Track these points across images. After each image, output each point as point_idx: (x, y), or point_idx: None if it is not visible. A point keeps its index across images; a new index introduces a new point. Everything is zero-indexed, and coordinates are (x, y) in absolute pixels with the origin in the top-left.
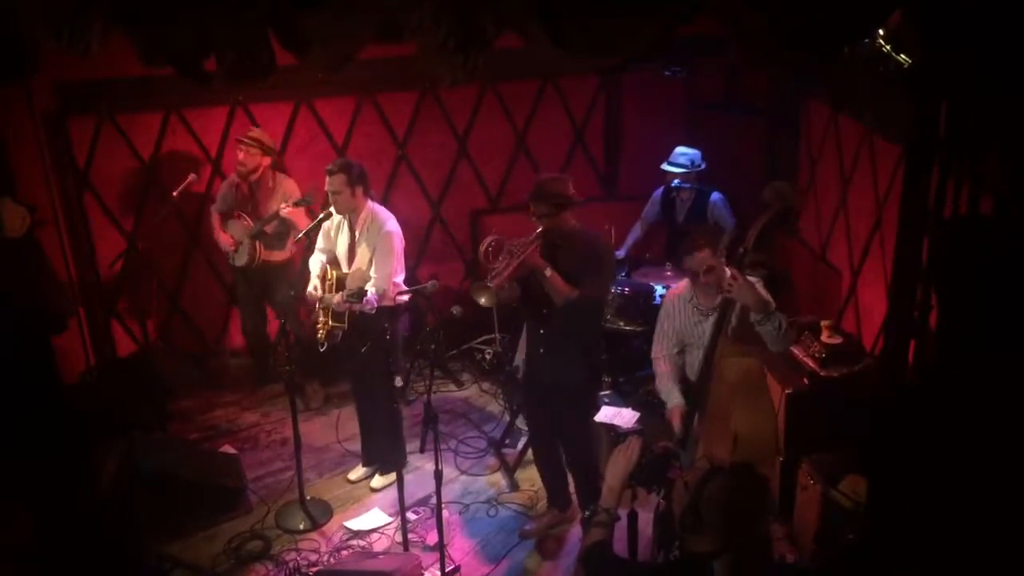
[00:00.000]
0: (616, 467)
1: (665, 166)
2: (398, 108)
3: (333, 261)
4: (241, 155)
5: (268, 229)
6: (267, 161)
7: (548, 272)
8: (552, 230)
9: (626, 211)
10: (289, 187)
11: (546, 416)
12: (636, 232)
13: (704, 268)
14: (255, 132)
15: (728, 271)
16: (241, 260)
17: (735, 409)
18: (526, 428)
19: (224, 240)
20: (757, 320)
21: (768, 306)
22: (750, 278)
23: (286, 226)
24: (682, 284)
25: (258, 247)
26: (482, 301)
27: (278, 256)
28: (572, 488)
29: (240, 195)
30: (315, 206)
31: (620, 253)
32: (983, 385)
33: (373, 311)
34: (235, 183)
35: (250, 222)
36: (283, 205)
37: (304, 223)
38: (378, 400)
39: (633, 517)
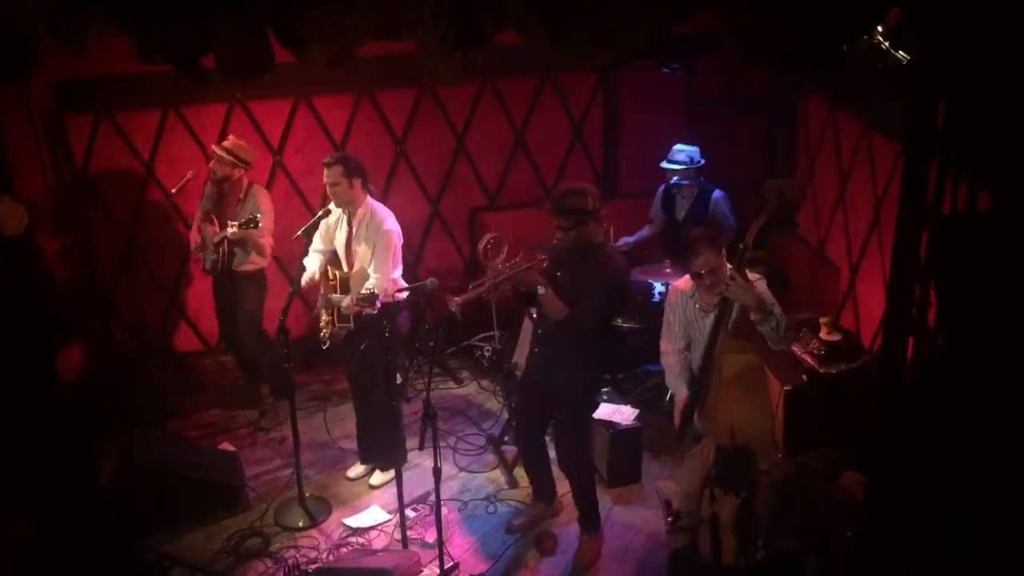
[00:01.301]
0: (692, 471)
1: (664, 164)
2: (396, 105)
3: (334, 261)
4: (212, 162)
5: (229, 235)
6: (239, 172)
7: (542, 291)
8: (570, 242)
9: (625, 209)
10: (259, 202)
11: (534, 414)
12: (644, 232)
13: (708, 270)
14: (229, 142)
15: (728, 269)
16: (206, 265)
17: (732, 404)
18: None
19: (193, 238)
20: (757, 320)
21: (766, 306)
22: (751, 275)
23: (244, 242)
24: (684, 279)
25: (221, 255)
26: (452, 307)
27: (243, 267)
28: (559, 482)
29: (214, 199)
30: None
31: (620, 244)
32: (982, 382)
33: (375, 311)
34: (212, 186)
35: (217, 228)
36: (231, 224)
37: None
38: (377, 397)
39: (715, 519)
